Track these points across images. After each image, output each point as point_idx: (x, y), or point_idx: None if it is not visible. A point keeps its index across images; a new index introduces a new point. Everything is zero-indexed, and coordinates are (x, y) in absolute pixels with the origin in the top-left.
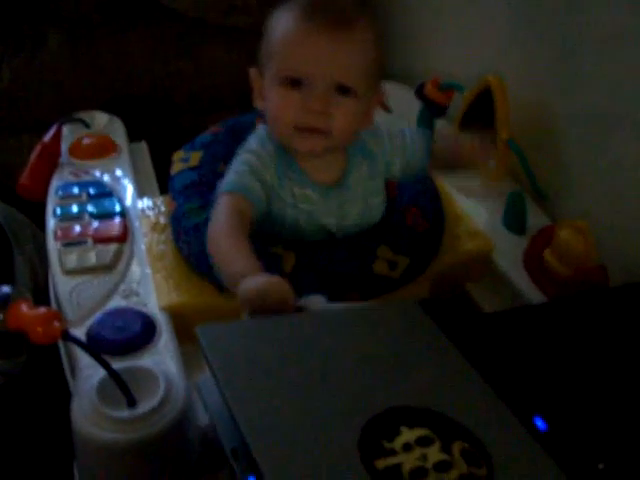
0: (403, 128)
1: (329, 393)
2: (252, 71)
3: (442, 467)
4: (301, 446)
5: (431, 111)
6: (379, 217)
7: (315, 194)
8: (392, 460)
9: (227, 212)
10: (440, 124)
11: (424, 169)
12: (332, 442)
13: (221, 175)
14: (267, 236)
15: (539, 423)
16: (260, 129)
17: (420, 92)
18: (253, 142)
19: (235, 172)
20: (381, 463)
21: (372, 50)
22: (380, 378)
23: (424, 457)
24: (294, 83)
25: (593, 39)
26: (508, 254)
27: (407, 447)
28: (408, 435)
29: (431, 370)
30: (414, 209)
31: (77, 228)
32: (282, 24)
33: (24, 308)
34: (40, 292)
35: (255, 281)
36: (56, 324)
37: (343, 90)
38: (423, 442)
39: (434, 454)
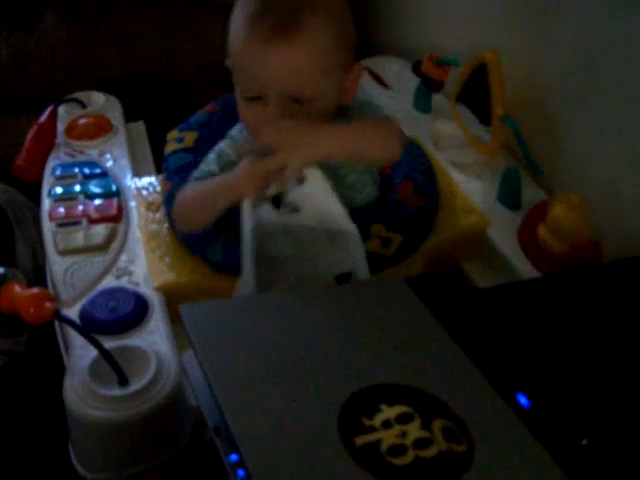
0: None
1: (311, 371)
2: (228, 63)
3: (421, 444)
4: (281, 424)
5: (428, 87)
6: (369, 195)
7: None
8: (371, 437)
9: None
10: (437, 99)
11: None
12: (312, 419)
13: None
14: None
15: (522, 400)
16: None
17: (417, 68)
18: (235, 128)
19: (206, 161)
20: (360, 440)
21: (326, 47)
22: (363, 355)
23: (403, 434)
24: (253, 98)
25: (591, 16)
26: (503, 230)
27: (387, 424)
28: (388, 412)
29: (415, 347)
30: (408, 185)
31: (71, 208)
32: (234, 34)
33: (17, 289)
34: (41, 273)
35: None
36: (48, 304)
37: (297, 100)
38: (403, 419)
39: (414, 431)
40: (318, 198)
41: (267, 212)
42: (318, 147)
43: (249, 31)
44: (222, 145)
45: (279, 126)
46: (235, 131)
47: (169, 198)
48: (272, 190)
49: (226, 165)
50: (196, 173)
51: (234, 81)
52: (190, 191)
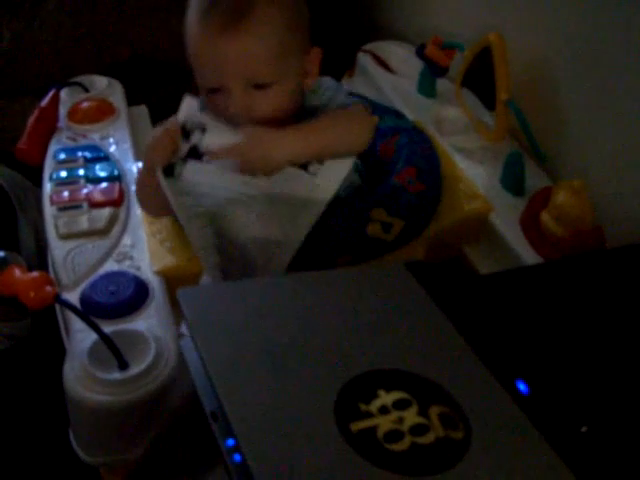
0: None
1: (309, 356)
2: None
3: (418, 430)
4: (278, 409)
5: (432, 71)
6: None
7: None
8: (367, 423)
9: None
10: (441, 84)
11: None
12: (309, 405)
13: None
14: None
15: (521, 386)
16: None
17: (421, 52)
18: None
19: None
20: (356, 425)
21: (278, 36)
22: (361, 341)
23: (400, 420)
24: (214, 90)
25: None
26: (506, 215)
27: (384, 410)
28: (385, 398)
29: (414, 333)
30: (410, 170)
31: (73, 192)
32: (188, 30)
33: (17, 273)
34: (44, 256)
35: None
36: (48, 288)
37: (258, 86)
38: (400, 405)
39: (410, 417)
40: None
41: (193, 169)
42: (273, 157)
43: (201, 25)
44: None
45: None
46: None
47: None
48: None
49: None
50: None
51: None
52: (137, 176)
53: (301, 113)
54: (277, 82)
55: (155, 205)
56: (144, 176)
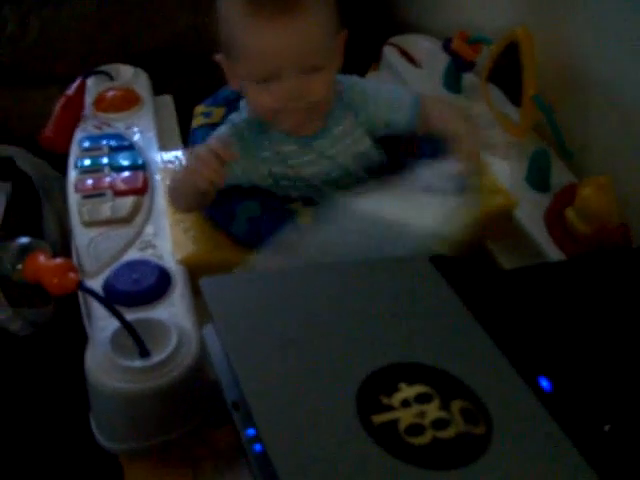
0: (394, 86)
1: (331, 347)
2: (218, 58)
3: (439, 424)
4: (299, 400)
5: (458, 66)
6: (378, 159)
7: (293, 147)
8: (389, 416)
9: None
10: (467, 79)
11: (411, 130)
12: (330, 396)
13: None
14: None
15: (544, 383)
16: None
17: (447, 46)
18: (234, 114)
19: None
20: (378, 418)
21: (326, 18)
22: (384, 333)
23: (422, 414)
24: (265, 80)
25: None
26: (530, 211)
27: (405, 403)
28: (407, 391)
29: (437, 327)
30: None
31: (97, 180)
32: (233, 24)
33: (41, 259)
34: (68, 244)
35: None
36: (71, 275)
37: (310, 70)
38: (422, 399)
39: (432, 411)
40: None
41: None
42: None
43: (253, 14)
44: (223, 128)
45: None
46: (234, 115)
47: None
48: None
49: None
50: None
51: (232, 72)
52: (174, 176)
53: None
54: (325, 65)
55: (188, 207)
56: (188, 188)
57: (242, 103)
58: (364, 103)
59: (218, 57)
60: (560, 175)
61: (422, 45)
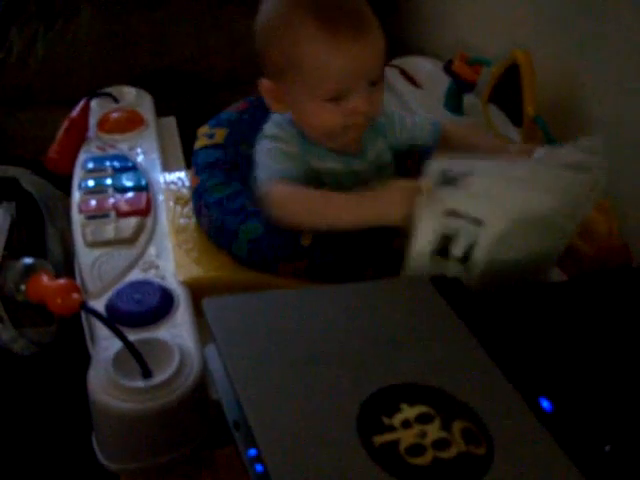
0: (413, 115)
1: (332, 368)
2: (263, 83)
3: (440, 445)
4: (300, 420)
5: (459, 87)
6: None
7: (339, 166)
8: (390, 436)
9: (287, 190)
10: (468, 100)
11: (429, 153)
12: (331, 417)
13: (244, 155)
14: None
15: (545, 404)
16: (276, 116)
17: (448, 68)
18: (270, 128)
19: (268, 162)
20: (379, 439)
21: (383, 36)
22: (384, 354)
23: (423, 434)
24: (333, 98)
25: (625, 15)
26: None
27: (406, 424)
28: (408, 412)
29: (437, 347)
30: None
31: (101, 201)
32: (307, 41)
33: (44, 279)
34: (71, 264)
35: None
36: (75, 296)
37: (374, 83)
38: (423, 419)
39: (433, 432)
40: None
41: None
42: None
43: (330, 34)
44: (278, 145)
45: None
46: (275, 130)
47: (197, 193)
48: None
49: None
50: (274, 174)
51: (285, 95)
52: (301, 194)
53: None
54: (382, 79)
55: (308, 229)
56: (349, 217)
57: (273, 130)
58: (391, 126)
59: (264, 82)
60: None
61: (423, 66)
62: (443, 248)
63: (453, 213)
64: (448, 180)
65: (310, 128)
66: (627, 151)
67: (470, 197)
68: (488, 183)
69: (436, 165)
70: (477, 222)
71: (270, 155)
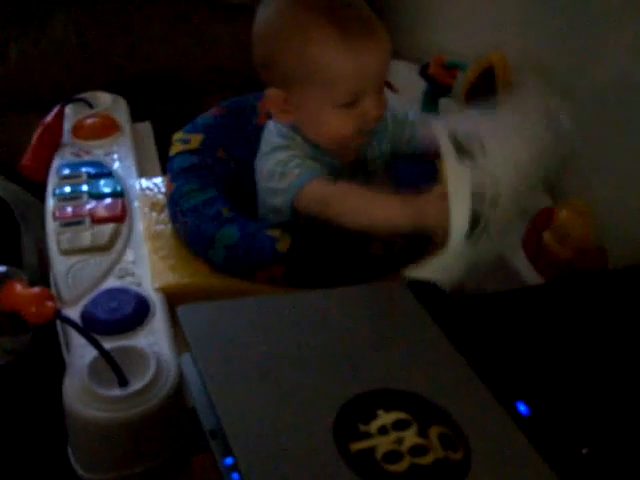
0: (407, 111)
1: (308, 374)
2: (271, 93)
3: (417, 451)
4: (277, 428)
5: (435, 90)
6: None
7: (345, 172)
8: (366, 443)
9: (324, 188)
10: (445, 103)
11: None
12: (307, 424)
13: (221, 160)
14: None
15: (522, 408)
16: (271, 124)
17: (424, 72)
18: (276, 139)
19: (290, 170)
20: (355, 446)
21: (389, 38)
22: (361, 360)
23: (400, 441)
24: (349, 104)
25: (599, 20)
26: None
27: (383, 430)
28: (385, 418)
29: (414, 353)
30: (411, 190)
31: (75, 208)
32: (320, 48)
33: (18, 288)
34: (46, 272)
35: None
36: (49, 304)
37: (382, 89)
38: (400, 425)
39: (410, 438)
40: None
41: None
42: None
43: (344, 39)
44: (294, 152)
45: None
46: (283, 141)
47: (173, 199)
48: None
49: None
50: (303, 177)
51: (295, 103)
52: (345, 190)
53: None
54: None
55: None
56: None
57: (280, 141)
58: (384, 127)
59: (272, 91)
60: (536, 199)
61: (399, 70)
62: None
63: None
64: (462, 150)
65: (323, 137)
66: (603, 155)
67: (487, 165)
68: (499, 144)
69: (443, 132)
70: (495, 184)
71: (289, 163)
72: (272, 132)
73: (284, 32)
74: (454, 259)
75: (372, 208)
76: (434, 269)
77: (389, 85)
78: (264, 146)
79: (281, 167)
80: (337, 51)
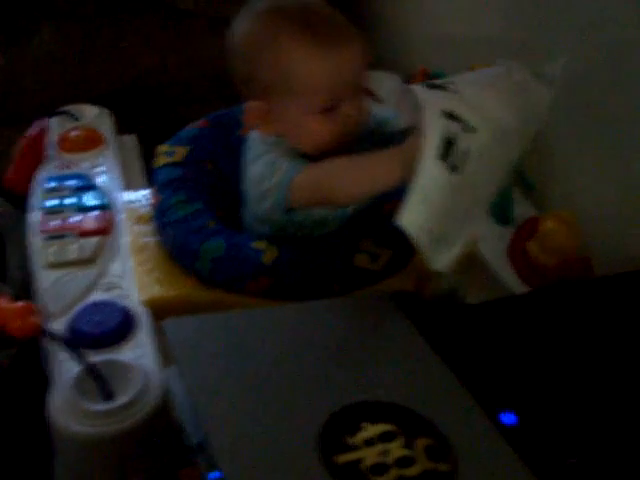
0: (388, 115)
1: (293, 387)
2: (251, 105)
3: (404, 463)
4: (263, 441)
5: None
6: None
7: None
8: (352, 455)
9: (311, 171)
10: None
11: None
12: (293, 437)
13: (206, 173)
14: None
15: (508, 418)
16: (255, 134)
17: (409, 83)
18: (262, 146)
19: (278, 167)
20: (341, 458)
21: (364, 42)
22: (346, 371)
23: (386, 453)
24: (327, 109)
25: (585, 29)
26: (492, 245)
27: (369, 442)
28: (371, 430)
29: (399, 364)
30: (398, 202)
31: (60, 221)
32: (295, 56)
33: (2, 302)
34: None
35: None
36: (33, 318)
37: (360, 90)
38: (386, 437)
39: (396, 450)
40: None
41: None
42: None
43: (316, 45)
44: (279, 152)
45: None
46: (267, 147)
47: (159, 211)
48: None
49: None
50: (291, 170)
51: (277, 114)
52: (328, 166)
53: None
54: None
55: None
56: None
57: (264, 147)
58: (368, 132)
59: (252, 104)
60: (521, 208)
61: (384, 82)
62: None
63: (451, 115)
64: (434, 86)
65: (306, 144)
66: (587, 164)
67: (462, 101)
68: (475, 91)
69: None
70: (470, 130)
71: (277, 162)
72: (256, 140)
73: (258, 44)
74: (431, 182)
75: (360, 173)
76: (417, 200)
77: (373, 96)
78: (250, 154)
79: (270, 167)
80: (311, 58)
